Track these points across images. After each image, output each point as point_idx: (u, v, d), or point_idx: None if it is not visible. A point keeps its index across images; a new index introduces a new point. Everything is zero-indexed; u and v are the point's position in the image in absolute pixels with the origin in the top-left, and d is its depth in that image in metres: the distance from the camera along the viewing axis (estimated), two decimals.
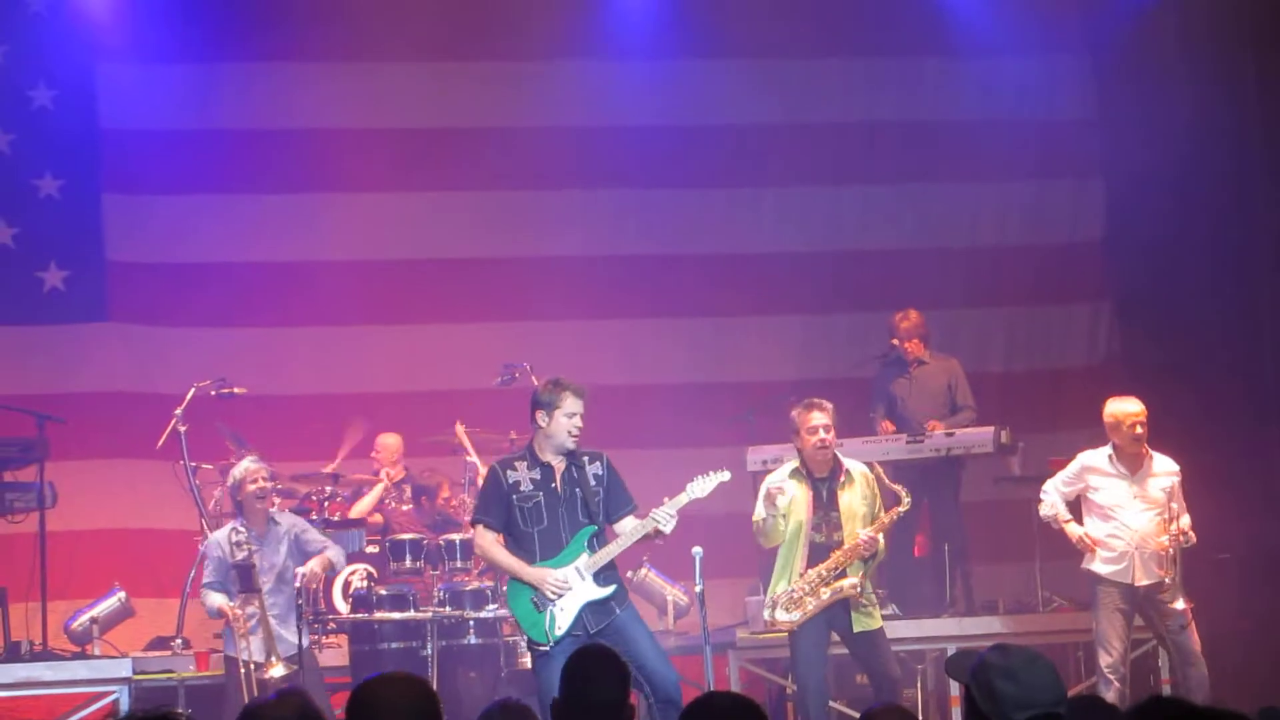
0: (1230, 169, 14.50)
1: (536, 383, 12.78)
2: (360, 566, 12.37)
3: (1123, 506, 11.20)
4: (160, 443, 12.63)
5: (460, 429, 13.01)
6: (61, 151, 14.47)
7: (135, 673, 11.47)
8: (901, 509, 10.62)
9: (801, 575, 10.43)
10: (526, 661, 11.74)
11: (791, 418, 10.67)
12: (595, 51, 15.01)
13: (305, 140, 14.76)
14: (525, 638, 9.80)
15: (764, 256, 15.14)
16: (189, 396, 12.68)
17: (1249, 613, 13.37)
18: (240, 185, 14.69)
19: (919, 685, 12.17)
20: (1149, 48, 14.78)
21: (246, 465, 11.40)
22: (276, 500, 11.84)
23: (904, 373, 13.41)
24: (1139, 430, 11.15)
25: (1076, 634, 12.48)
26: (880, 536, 10.50)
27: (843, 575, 10.39)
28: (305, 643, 11.04)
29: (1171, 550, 11.07)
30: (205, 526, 12.49)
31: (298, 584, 11.06)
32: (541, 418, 9.68)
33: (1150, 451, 11.25)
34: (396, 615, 11.78)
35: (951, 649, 12.03)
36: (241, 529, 11.10)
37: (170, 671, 11.91)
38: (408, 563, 12.20)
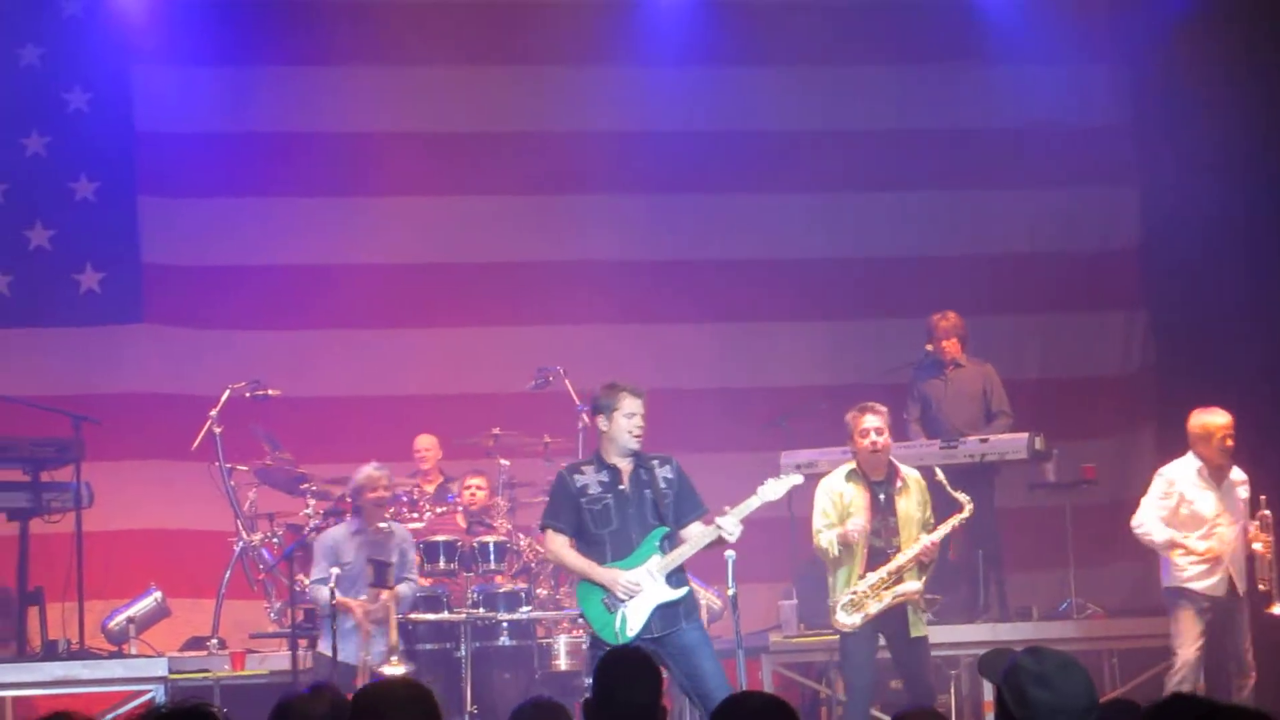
0: (1266, 177, 14.45)
1: (569, 386, 12.89)
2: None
3: (1214, 518, 11.22)
4: (196, 444, 12.68)
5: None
6: (97, 154, 14.53)
7: (171, 672, 11.49)
8: (964, 515, 10.59)
9: (861, 578, 10.45)
10: (560, 663, 11.79)
11: (846, 421, 10.72)
12: (627, 57, 15.04)
13: (339, 144, 14.81)
14: (590, 636, 9.76)
15: (797, 262, 15.15)
16: (224, 398, 12.73)
17: None
18: (274, 188, 14.74)
19: (952, 690, 12.15)
20: (1184, 55, 14.72)
21: (369, 472, 11.54)
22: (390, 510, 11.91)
23: (940, 375, 13.38)
24: (1229, 443, 11.20)
25: (1110, 641, 12.47)
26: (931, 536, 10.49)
27: (899, 580, 10.41)
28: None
29: (1270, 556, 11.08)
30: (240, 528, 12.53)
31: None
32: (602, 422, 9.70)
33: (1230, 463, 11.29)
34: (431, 616, 11.81)
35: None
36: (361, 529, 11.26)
37: (206, 671, 11.93)
38: (441, 564, 12.21)
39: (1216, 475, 11.24)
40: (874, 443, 10.57)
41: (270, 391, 12.92)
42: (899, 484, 10.62)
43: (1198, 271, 14.58)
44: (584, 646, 11.71)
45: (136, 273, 14.44)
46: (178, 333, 14.39)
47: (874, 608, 10.40)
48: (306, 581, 11.61)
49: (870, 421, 10.61)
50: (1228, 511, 11.23)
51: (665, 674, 8.97)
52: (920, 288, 14.62)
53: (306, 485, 12.66)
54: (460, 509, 12.91)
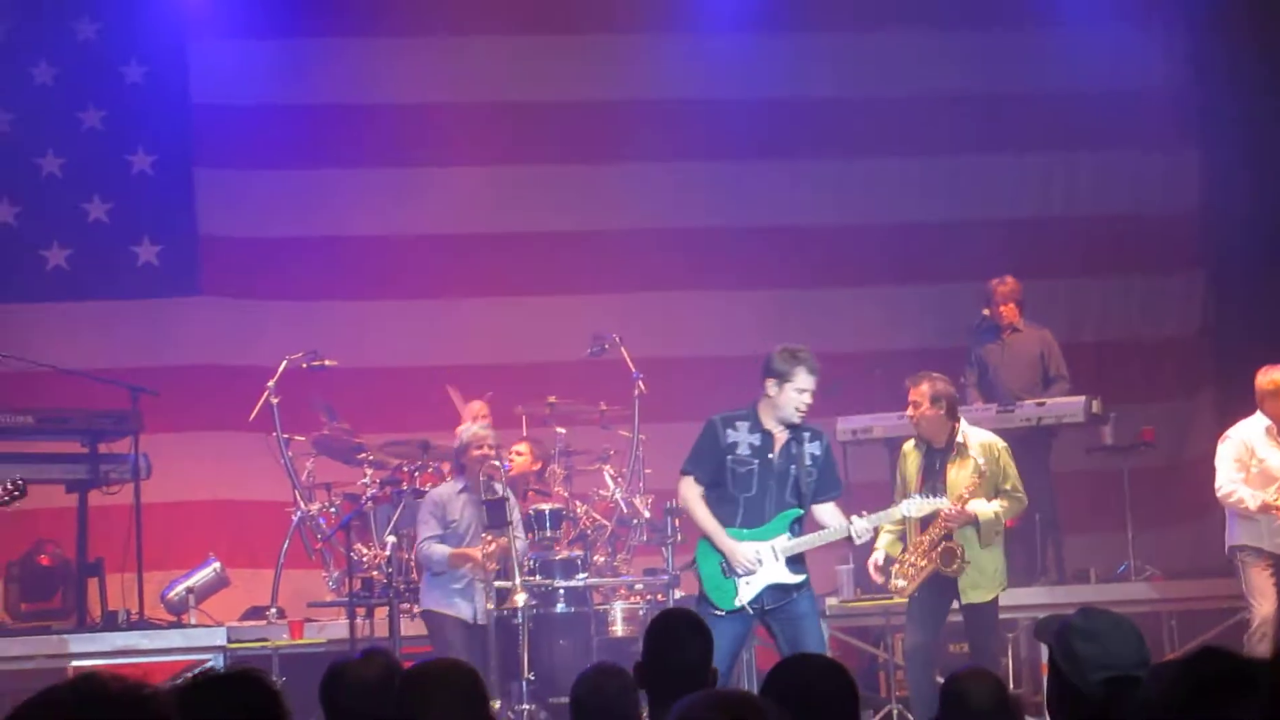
0: None
1: (625, 353, 12.88)
2: None
3: None
4: (253, 415, 12.71)
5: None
6: (154, 127, 14.59)
7: (230, 641, 11.59)
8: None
9: (914, 544, 10.47)
10: (617, 629, 11.79)
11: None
12: (681, 24, 15.01)
13: (395, 115, 14.83)
14: (699, 594, 9.73)
15: (852, 228, 15.09)
16: (281, 369, 12.75)
17: None
18: (330, 160, 14.77)
19: (1010, 654, 12.11)
20: (1244, 14, 14.60)
21: (475, 430, 11.59)
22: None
23: (997, 339, 13.34)
24: None
25: (1169, 603, 12.40)
26: (979, 508, 10.43)
27: (945, 541, 10.40)
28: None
29: None
30: (298, 498, 12.58)
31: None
32: (771, 386, 9.57)
33: None
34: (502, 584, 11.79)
35: (1041, 617, 11.98)
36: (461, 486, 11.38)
37: (264, 640, 12.00)
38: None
39: None
40: (911, 416, 10.66)
41: (327, 362, 12.93)
42: (954, 453, 10.57)
43: (1257, 233, 14.47)
44: (640, 612, 11.75)
45: (194, 245, 14.50)
46: (235, 304, 14.44)
47: (920, 572, 10.43)
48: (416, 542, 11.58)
49: (910, 395, 10.69)
50: None
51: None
52: (978, 252, 14.53)
53: (364, 455, 12.68)
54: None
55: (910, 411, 10.66)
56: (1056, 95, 15.02)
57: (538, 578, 11.75)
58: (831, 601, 12.46)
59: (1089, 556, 13.35)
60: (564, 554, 12.02)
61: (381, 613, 11.86)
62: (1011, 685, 11.63)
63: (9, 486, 10.53)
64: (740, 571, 9.50)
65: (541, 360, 14.20)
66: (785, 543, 9.57)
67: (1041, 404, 12.89)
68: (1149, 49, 15.21)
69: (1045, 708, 4.70)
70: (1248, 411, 11.37)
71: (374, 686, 5.46)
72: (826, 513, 9.76)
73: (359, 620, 11.68)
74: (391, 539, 11.78)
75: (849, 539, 9.78)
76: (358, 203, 14.72)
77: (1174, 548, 13.61)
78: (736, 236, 14.94)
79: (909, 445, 10.81)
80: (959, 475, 10.53)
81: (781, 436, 9.61)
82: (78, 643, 11.29)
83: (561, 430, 13.02)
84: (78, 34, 14.42)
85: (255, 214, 14.59)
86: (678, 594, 11.46)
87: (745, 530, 9.57)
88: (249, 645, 11.87)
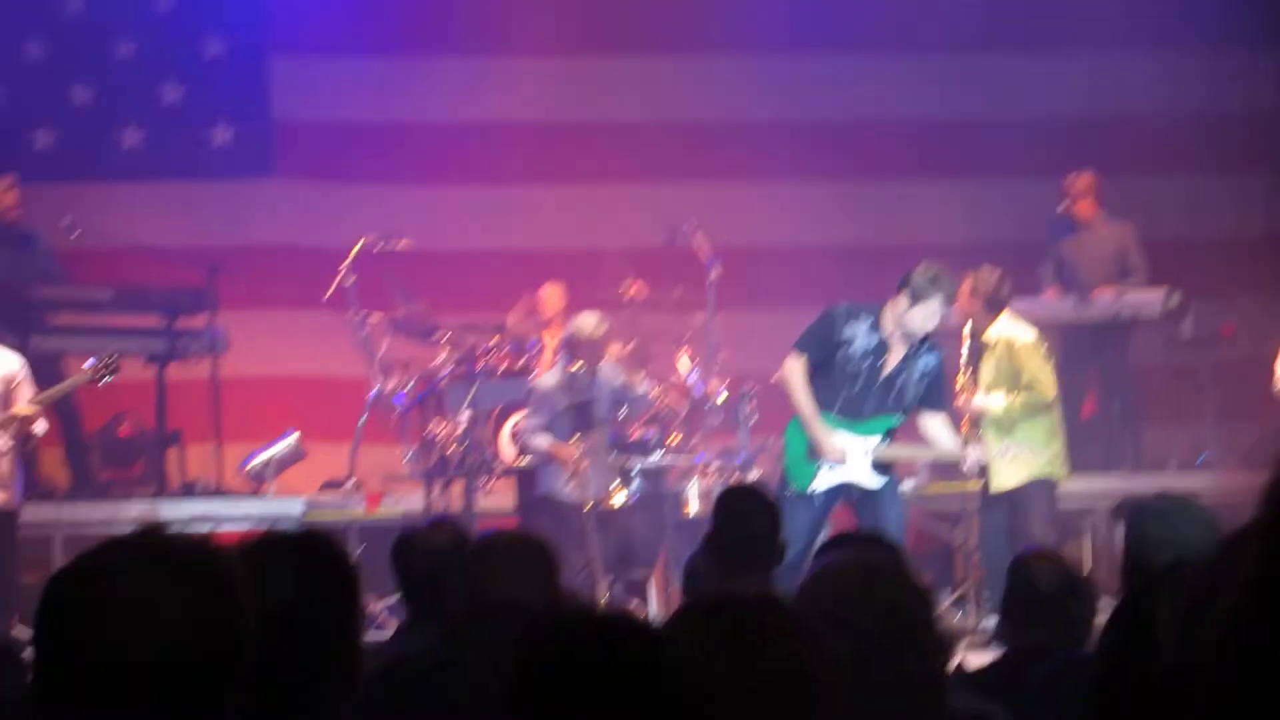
0: None
1: (701, 241, 12.84)
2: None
3: None
4: (329, 294, 12.72)
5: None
6: (228, 12, 14.57)
7: (307, 511, 11.62)
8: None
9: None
10: (690, 510, 11.78)
11: None
12: None
13: (471, 3, 14.79)
14: (782, 475, 9.74)
15: (929, 121, 14.99)
16: (356, 249, 12.75)
17: None
18: (406, 45, 14.73)
19: (1088, 541, 12.07)
20: None
21: (585, 316, 11.64)
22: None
23: (1075, 234, 13.27)
24: None
25: (1244, 494, 12.30)
26: (985, 404, 10.46)
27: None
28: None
29: None
30: (375, 375, 12.60)
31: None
32: (903, 300, 9.46)
33: None
34: None
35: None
36: (567, 375, 11.42)
37: (341, 511, 12.05)
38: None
39: None
40: (956, 309, 10.43)
41: (402, 244, 12.92)
42: (987, 346, 10.59)
43: None
44: (714, 493, 11.74)
45: (269, 128, 14.50)
46: (310, 186, 14.44)
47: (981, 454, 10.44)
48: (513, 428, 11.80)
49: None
50: None
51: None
52: (1060, 148, 14.40)
53: (439, 334, 12.68)
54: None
55: (956, 304, 10.61)
56: None
57: (613, 456, 11.78)
58: (907, 485, 12.42)
59: (1167, 448, 13.31)
60: (637, 433, 12.04)
61: (456, 486, 11.89)
62: (1087, 571, 11.60)
63: (105, 362, 10.59)
64: (826, 461, 9.47)
65: (617, 247, 14.15)
66: (878, 446, 9.53)
67: (1119, 297, 12.83)
68: None
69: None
70: None
71: (442, 553, 5.53)
72: (934, 425, 9.72)
73: (434, 495, 11.71)
74: (467, 414, 11.78)
75: (954, 464, 9.79)
76: (433, 90, 14.69)
77: (1251, 441, 13.52)
78: (810, 130, 14.86)
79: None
80: (985, 367, 10.57)
81: (898, 344, 9.52)
82: (158, 509, 11.32)
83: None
84: None
85: (331, 99, 14.58)
86: (754, 473, 11.46)
87: (841, 420, 9.52)
88: (326, 515, 11.91)
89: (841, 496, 9.68)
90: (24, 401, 10.29)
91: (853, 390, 9.49)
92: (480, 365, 12.32)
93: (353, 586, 3.45)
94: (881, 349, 9.48)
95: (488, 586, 5.09)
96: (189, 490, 11.75)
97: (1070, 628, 4.91)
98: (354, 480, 12.53)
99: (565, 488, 11.30)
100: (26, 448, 10.60)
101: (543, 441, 11.36)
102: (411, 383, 12.58)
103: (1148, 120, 14.93)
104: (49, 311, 12.20)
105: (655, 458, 11.86)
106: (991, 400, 10.50)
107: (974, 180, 14.94)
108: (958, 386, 10.43)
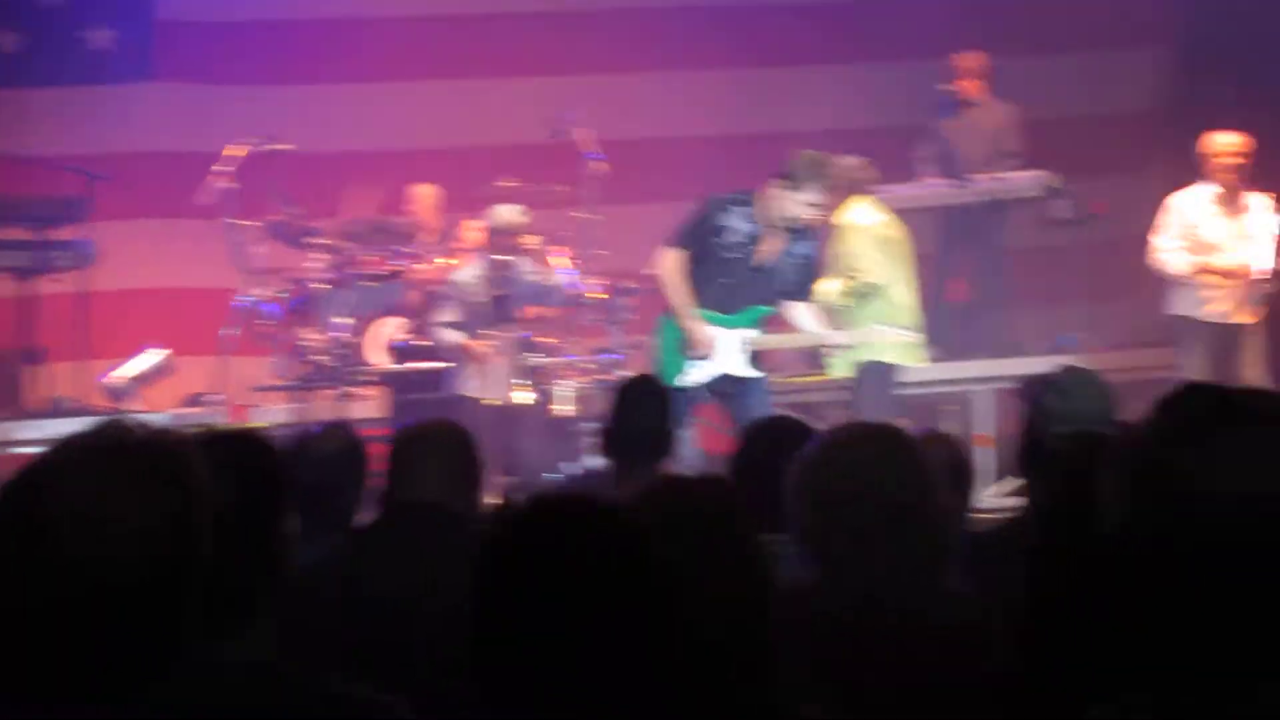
0: None
1: (583, 137, 12.73)
2: (399, 320, 12.34)
3: (1224, 243, 11.12)
4: (203, 198, 12.60)
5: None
6: None
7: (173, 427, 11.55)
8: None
9: None
10: (556, 408, 11.76)
11: None
12: None
13: None
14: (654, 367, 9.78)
15: (814, 5, 14.88)
16: (233, 153, 12.63)
17: None
18: None
19: (957, 425, 12.17)
20: None
21: (504, 207, 11.68)
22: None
23: (958, 114, 13.23)
24: (1234, 162, 11.14)
25: (1115, 373, 12.28)
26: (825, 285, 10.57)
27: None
28: None
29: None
30: (247, 283, 12.51)
31: None
32: (782, 186, 9.49)
33: (1244, 188, 11.19)
34: (439, 365, 11.83)
35: (988, 390, 12.12)
36: (487, 268, 11.48)
37: (208, 426, 11.97)
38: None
39: (1229, 200, 11.11)
40: None
41: (281, 146, 12.80)
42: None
43: (1226, 6, 14.18)
44: (588, 392, 11.76)
45: (149, 29, 14.30)
46: (191, 89, 14.27)
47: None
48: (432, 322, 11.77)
49: None
50: (1241, 237, 11.12)
51: None
52: (939, 28, 14.29)
53: (315, 239, 12.58)
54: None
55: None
56: None
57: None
58: (777, 378, 12.45)
59: (1038, 329, 13.34)
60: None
61: (327, 396, 11.87)
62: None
63: None
64: (695, 353, 9.51)
65: (499, 144, 14.06)
66: (752, 337, 9.55)
67: (998, 179, 12.82)
68: None
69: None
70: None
71: (335, 460, 5.54)
72: (803, 314, 9.75)
73: (302, 405, 11.70)
74: (343, 321, 11.76)
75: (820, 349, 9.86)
76: None
77: (1121, 320, 13.57)
78: (695, 16, 14.72)
79: None
80: (828, 257, 10.72)
81: (774, 233, 9.54)
82: (17, 430, 11.28)
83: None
84: None
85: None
86: (625, 373, 11.46)
87: (715, 314, 9.55)
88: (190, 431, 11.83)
89: (711, 391, 9.73)
90: None
91: (728, 280, 9.52)
92: (355, 271, 12.26)
93: (284, 488, 3.34)
94: (757, 235, 9.48)
95: (408, 485, 5.06)
96: (51, 409, 11.67)
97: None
98: (221, 394, 12.47)
99: (472, 385, 11.31)
100: None
101: (454, 337, 11.37)
102: (286, 291, 12.51)
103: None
104: None
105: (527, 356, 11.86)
106: (827, 286, 10.55)
107: (859, 63, 14.85)
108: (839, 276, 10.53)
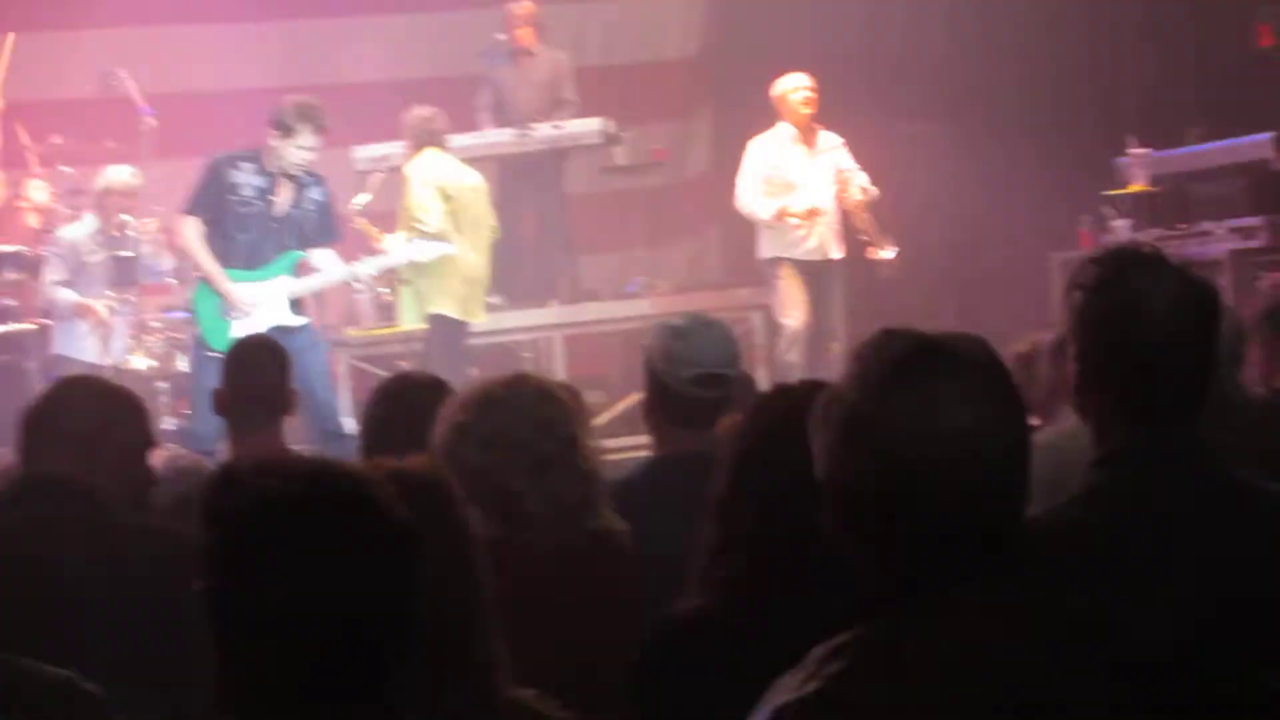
0: None
1: (136, 92, 12.52)
2: None
3: (806, 184, 11.40)
4: None
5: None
6: None
7: None
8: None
9: None
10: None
11: None
12: None
13: None
14: (196, 337, 9.89)
15: None
16: None
17: None
18: None
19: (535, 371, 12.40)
20: None
21: (118, 168, 11.48)
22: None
23: (512, 63, 13.38)
24: (805, 100, 11.36)
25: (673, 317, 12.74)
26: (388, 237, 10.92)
27: None
28: None
29: (862, 209, 11.39)
30: None
31: None
32: (276, 136, 9.60)
33: (817, 126, 11.48)
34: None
35: (556, 337, 12.36)
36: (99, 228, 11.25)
37: None
38: (11, 275, 11.94)
39: (804, 139, 11.46)
40: None
41: None
42: None
43: None
44: (160, 350, 11.68)
45: None
46: None
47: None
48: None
49: None
50: (820, 176, 11.45)
51: None
52: None
53: None
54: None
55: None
56: None
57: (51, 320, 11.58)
58: (352, 332, 12.54)
59: (603, 276, 13.67)
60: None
61: None
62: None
63: None
64: (237, 313, 9.59)
65: (45, 98, 13.71)
66: (287, 285, 9.70)
67: (557, 127, 13.02)
68: None
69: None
70: (748, 130, 11.68)
71: None
72: (323, 258, 9.94)
73: None
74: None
75: (352, 283, 10.00)
76: None
77: (681, 263, 13.99)
78: None
79: None
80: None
81: (285, 181, 9.69)
82: None
83: (69, 170, 12.68)
84: None
85: None
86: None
87: (245, 272, 9.67)
88: None
89: None
90: None
91: (250, 235, 9.69)
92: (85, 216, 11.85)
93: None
94: (270, 185, 9.67)
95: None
96: None
97: None
98: None
99: (85, 346, 11.15)
100: None
101: (67, 296, 11.19)
102: None
103: None
104: None
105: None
106: (389, 239, 10.79)
107: (426, 15, 14.86)
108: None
